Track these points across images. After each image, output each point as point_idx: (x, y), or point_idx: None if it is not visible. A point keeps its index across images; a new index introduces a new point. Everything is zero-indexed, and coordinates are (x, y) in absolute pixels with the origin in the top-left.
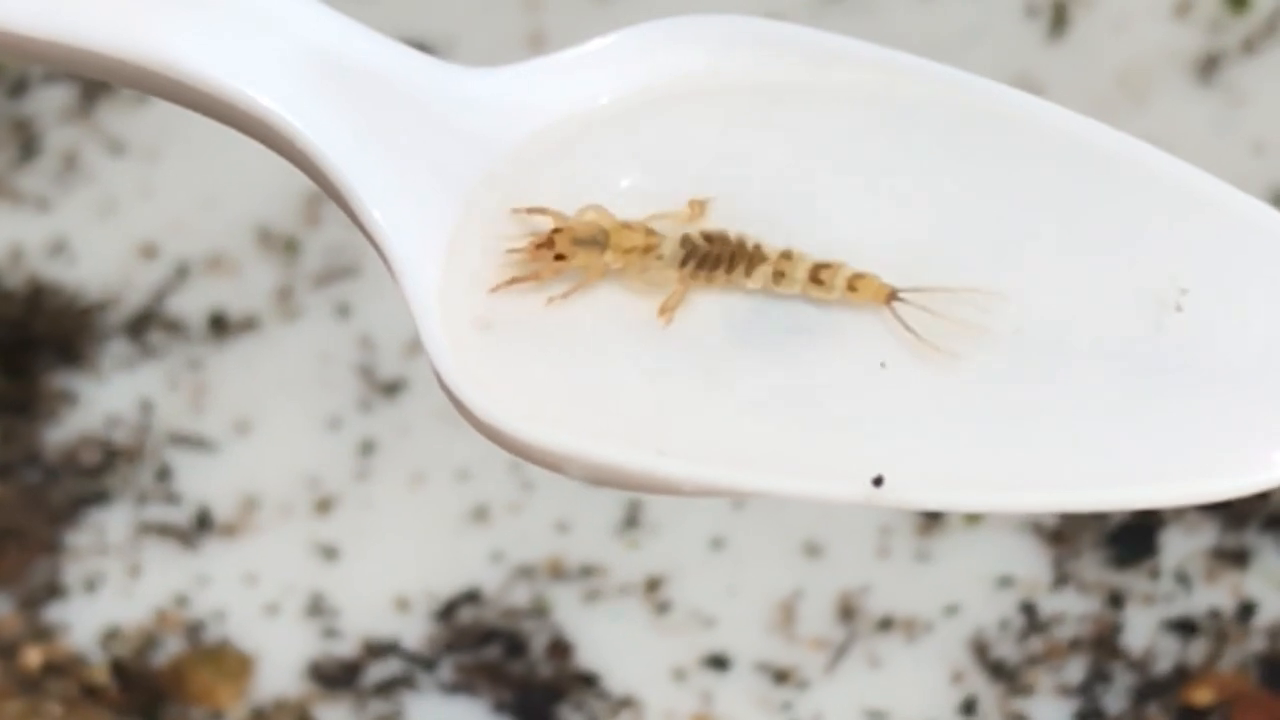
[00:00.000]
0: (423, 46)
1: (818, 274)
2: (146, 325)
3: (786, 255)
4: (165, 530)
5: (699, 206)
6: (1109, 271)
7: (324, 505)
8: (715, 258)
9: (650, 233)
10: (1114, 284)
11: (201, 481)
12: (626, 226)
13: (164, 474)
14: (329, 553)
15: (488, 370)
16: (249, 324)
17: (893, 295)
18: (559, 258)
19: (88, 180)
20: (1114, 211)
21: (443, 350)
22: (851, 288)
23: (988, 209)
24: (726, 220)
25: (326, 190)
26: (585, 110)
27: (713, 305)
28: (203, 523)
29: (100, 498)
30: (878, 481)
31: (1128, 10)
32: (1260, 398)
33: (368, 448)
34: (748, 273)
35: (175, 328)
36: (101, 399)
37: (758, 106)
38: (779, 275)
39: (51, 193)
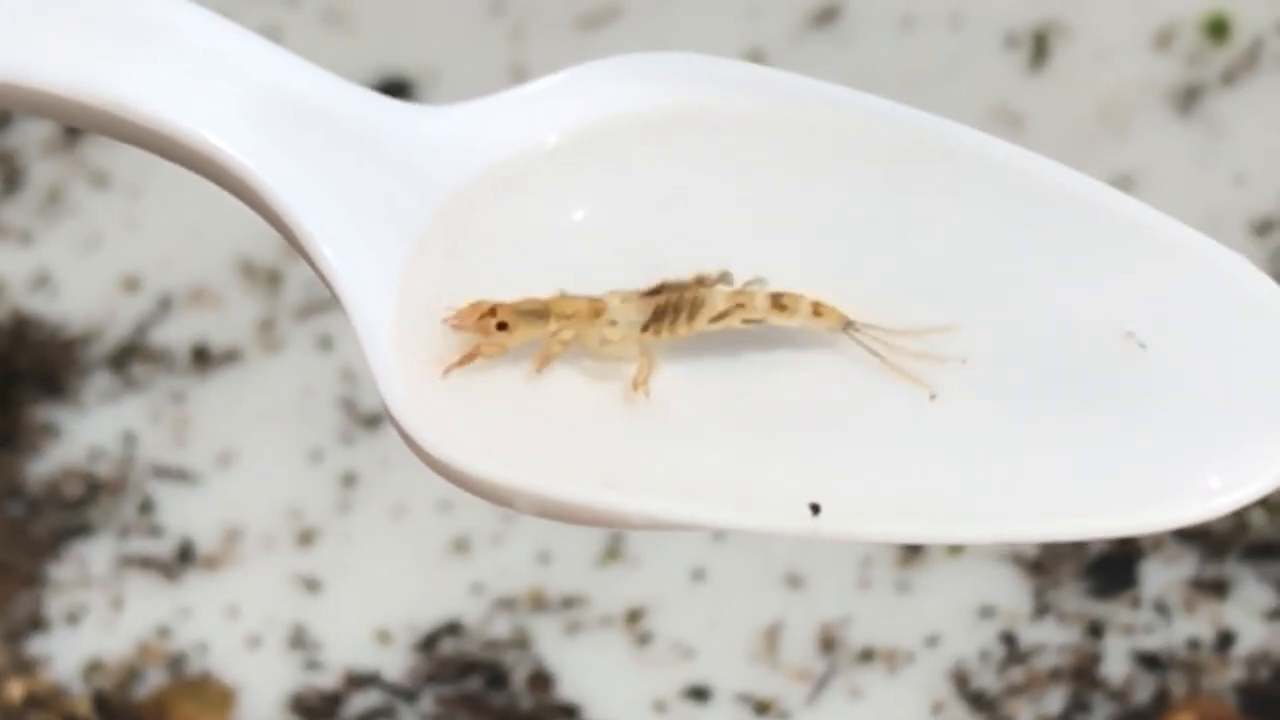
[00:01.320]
0: (405, 80)
1: (779, 300)
2: (129, 358)
3: (740, 292)
4: (147, 563)
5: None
6: (1066, 306)
7: (306, 537)
8: (673, 308)
9: (595, 300)
10: (1071, 318)
11: (184, 514)
12: (565, 296)
13: (146, 506)
14: (311, 585)
15: (439, 405)
16: (231, 356)
17: (849, 324)
18: (501, 326)
19: (71, 213)
20: (1073, 248)
21: (394, 386)
22: (816, 313)
23: (944, 246)
24: (680, 253)
25: (280, 230)
26: (538, 146)
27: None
28: (185, 555)
29: (82, 530)
30: (815, 509)
31: (1108, 42)
32: (1213, 426)
33: (349, 480)
34: (708, 314)
35: (158, 360)
36: (84, 431)
37: (710, 142)
38: (739, 307)
39: (35, 226)
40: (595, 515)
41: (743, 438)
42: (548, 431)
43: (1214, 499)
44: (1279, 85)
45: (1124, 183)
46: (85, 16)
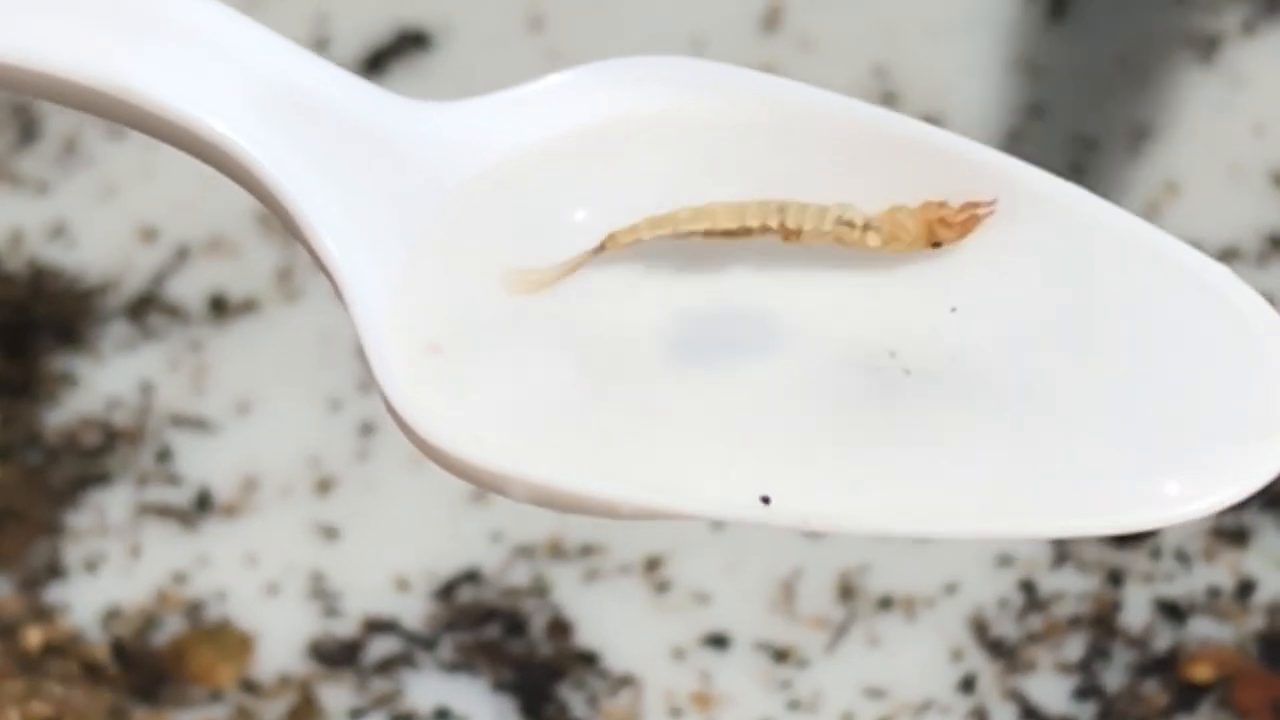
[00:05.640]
0: (421, 30)
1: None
2: (147, 307)
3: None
4: (165, 511)
5: None
6: (1041, 312)
7: (324, 485)
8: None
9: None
10: (1042, 323)
11: (202, 462)
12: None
13: (164, 455)
14: (329, 533)
15: (434, 394)
16: (249, 305)
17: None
18: None
19: (88, 163)
20: (1050, 253)
21: (390, 374)
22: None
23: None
24: (678, 254)
25: (280, 217)
26: (539, 145)
27: (658, 325)
28: (203, 503)
29: (101, 479)
30: (765, 500)
31: None
32: (1183, 436)
33: (368, 428)
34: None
35: (175, 310)
36: (102, 381)
37: (712, 146)
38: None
39: (52, 176)
40: (588, 504)
41: (727, 425)
42: (541, 420)
43: (1172, 508)
44: None
45: (1143, 133)
46: (96, 4)
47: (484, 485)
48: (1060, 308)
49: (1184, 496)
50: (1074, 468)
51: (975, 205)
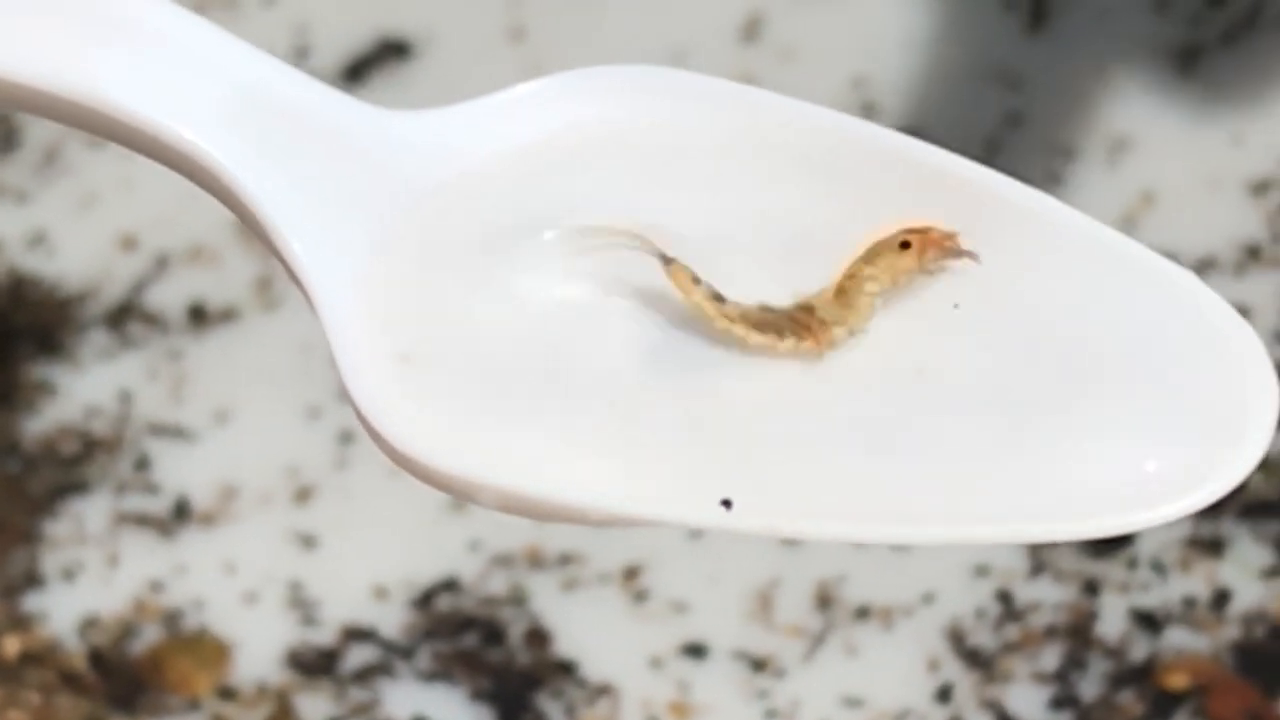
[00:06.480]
0: (402, 41)
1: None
2: (126, 316)
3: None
4: (144, 520)
5: None
6: (1018, 318)
7: (303, 494)
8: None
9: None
10: (1003, 331)
11: (180, 471)
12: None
13: (143, 464)
14: (308, 541)
15: (404, 401)
16: (228, 315)
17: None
18: None
19: (68, 172)
20: (1006, 258)
21: (360, 382)
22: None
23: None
24: (645, 266)
25: (250, 225)
26: (508, 154)
27: (627, 335)
28: (181, 512)
29: (79, 487)
30: (726, 504)
31: (1107, 2)
32: (1160, 438)
33: (347, 437)
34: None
35: (155, 319)
36: (81, 389)
37: (676, 153)
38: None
39: (31, 185)
40: (557, 511)
41: (696, 435)
42: (510, 428)
43: (1144, 512)
44: (1278, 45)
45: (1121, 143)
46: (63, 12)
47: (454, 493)
48: (1032, 316)
49: (1156, 500)
50: (1045, 473)
51: (951, 238)
